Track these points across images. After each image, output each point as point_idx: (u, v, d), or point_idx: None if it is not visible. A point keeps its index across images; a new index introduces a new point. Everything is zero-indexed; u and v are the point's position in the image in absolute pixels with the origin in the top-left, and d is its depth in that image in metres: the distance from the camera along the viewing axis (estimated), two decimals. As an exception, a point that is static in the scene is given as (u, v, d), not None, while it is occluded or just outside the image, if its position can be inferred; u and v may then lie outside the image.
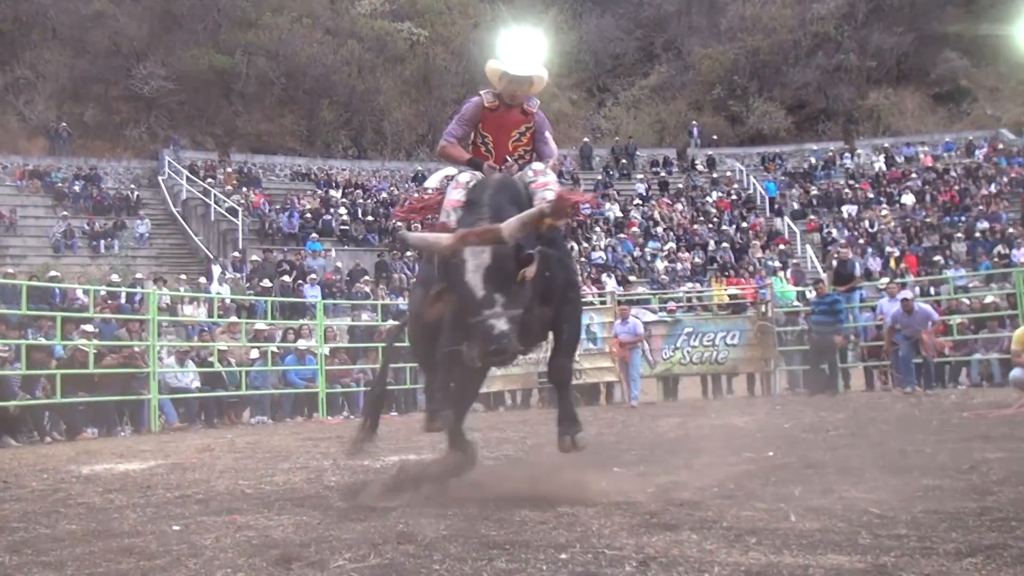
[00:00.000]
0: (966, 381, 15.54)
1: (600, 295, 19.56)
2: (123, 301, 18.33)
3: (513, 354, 4.80)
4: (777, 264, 26.76)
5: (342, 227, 28.53)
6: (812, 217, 31.84)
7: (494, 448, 8.72)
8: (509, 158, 5.82)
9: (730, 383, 17.34)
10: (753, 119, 41.64)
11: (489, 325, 4.62)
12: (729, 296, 21.23)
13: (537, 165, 5.64)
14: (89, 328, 13.61)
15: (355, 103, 39.30)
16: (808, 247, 30.13)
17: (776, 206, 33.17)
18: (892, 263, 26.95)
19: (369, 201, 30.72)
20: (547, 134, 5.88)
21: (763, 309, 17.06)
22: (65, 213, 27.78)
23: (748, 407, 13.36)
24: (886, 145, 36.72)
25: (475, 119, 5.85)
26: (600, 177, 35.75)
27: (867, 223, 30.36)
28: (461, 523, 4.57)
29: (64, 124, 33.39)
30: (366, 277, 23.95)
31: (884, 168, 34.93)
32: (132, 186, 30.98)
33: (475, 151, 5.91)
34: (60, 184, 29.50)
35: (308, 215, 28.74)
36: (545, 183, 5.45)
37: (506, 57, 6.01)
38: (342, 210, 29.53)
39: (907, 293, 14.73)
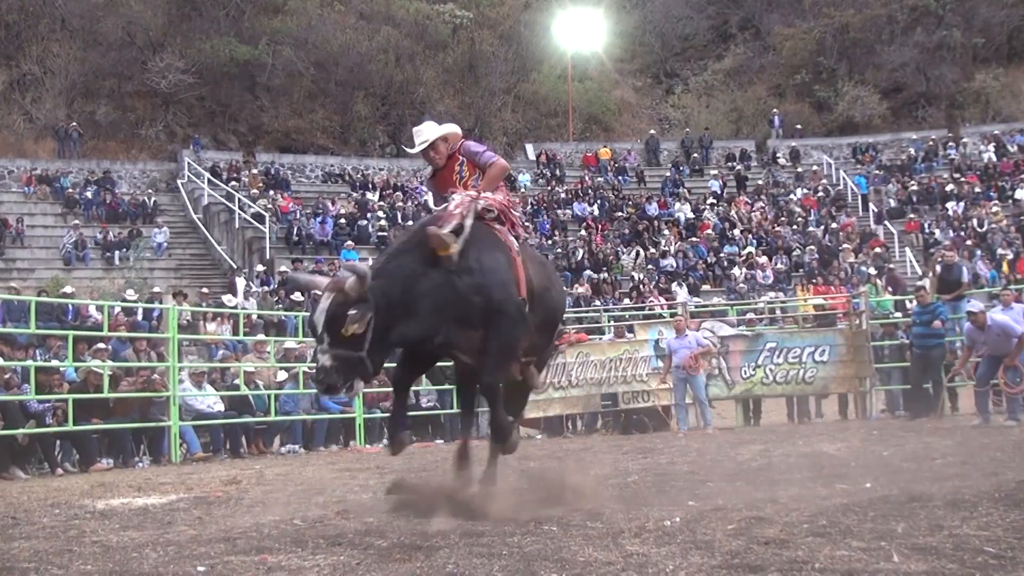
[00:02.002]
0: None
1: (670, 307, 19.43)
2: (140, 318, 18.63)
3: (335, 387, 6.04)
4: (871, 270, 26.42)
5: (380, 234, 28.70)
6: (912, 216, 31.38)
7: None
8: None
9: (819, 405, 17.18)
10: (843, 106, 41.21)
11: (316, 360, 6.08)
12: (816, 307, 21.03)
13: (454, 197, 6.62)
14: (101, 346, 13.83)
15: (393, 95, 39.61)
16: (907, 250, 29.76)
17: (870, 204, 32.78)
18: (1004, 267, 26.47)
19: (409, 204, 30.87)
20: (476, 150, 7.01)
21: (856, 321, 16.86)
22: (76, 222, 28.39)
23: (841, 432, 13.19)
24: (996, 132, 36.14)
25: (435, 191, 7.14)
26: (668, 174, 35.61)
27: (975, 222, 29.87)
28: (517, 563, 4.55)
29: (74, 124, 34.00)
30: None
31: (994, 158, 34.36)
32: (149, 191, 31.51)
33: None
34: (70, 190, 30.09)
35: (342, 220, 29.03)
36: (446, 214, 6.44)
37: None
38: (380, 215, 29.74)
39: (977, 304, 14.07)
